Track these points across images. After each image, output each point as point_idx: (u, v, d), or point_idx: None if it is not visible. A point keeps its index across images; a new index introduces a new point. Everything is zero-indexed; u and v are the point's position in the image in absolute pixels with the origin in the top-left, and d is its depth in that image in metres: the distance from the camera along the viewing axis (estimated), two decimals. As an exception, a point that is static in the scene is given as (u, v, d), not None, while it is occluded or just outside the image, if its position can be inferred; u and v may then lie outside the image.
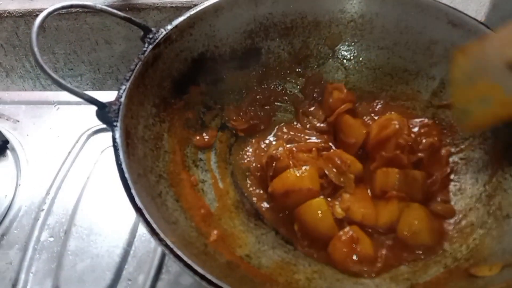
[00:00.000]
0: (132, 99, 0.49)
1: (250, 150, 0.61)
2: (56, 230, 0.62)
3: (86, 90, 1.01)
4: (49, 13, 0.49)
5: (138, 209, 0.40)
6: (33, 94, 0.82)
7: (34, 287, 0.56)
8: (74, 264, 0.58)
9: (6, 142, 0.71)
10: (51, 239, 0.61)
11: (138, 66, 0.51)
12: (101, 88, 0.99)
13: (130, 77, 0.50)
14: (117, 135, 0.45)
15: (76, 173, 0.68)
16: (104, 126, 0.71)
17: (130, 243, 0.60)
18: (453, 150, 0.60)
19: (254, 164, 0.60)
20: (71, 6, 0.51)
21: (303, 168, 0.54)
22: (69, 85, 0.46)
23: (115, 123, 0.46)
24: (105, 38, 0.90)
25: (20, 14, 0.87)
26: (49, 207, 0.64)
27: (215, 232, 0.50)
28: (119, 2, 0.84)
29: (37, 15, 0.84)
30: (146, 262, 0.58)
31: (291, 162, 0.56)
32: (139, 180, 0.44)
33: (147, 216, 0.39)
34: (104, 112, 0.46)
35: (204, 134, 0.61)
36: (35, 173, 0.69)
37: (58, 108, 0.78)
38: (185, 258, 0.37)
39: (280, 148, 0.57)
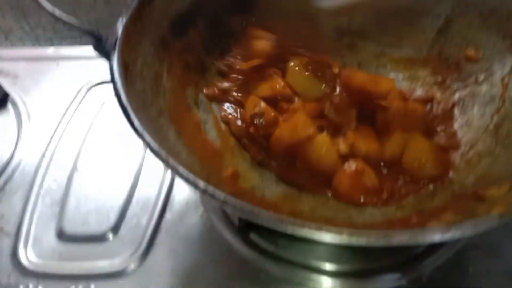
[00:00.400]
0: (130, 35, 0.49)
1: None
2: (58, 177, 0.62)
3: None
4: None
5: (131, 122, 0.39)
6: (32, 50, 0.82)
7: (38, 229, 0.57)
8: (77, 207, 0.58)
9: (6, 95, 0.71)
10: (54, 185, 0.61)
11: (135, 2, 0.50)
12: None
13: (126, 11, 0.49)
14: (115, 65, 0.44)
15: (77, 124, 0.68)
16: (104, 79, 0.73)
17: (134, 187, 0.60)
18: (459, 86, 0.59)
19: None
20: None
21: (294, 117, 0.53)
22: (65, 16, 0.45)
23: (112, 53, 0.45)
24: (103, -4, 0.89)
25: (17, -28, 0.85)
26: (51, 155, 0.64)
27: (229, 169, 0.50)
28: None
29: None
30: (150, 204, 0.58)
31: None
32: (138, 111, 0.44)
33: (138, 128, 0.38)
34: (102, 45, 0.45)
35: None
36: (37, 126, 0.68)
37: (58, 63, 0.78)
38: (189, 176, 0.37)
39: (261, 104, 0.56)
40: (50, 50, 0.80)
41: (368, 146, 0.52)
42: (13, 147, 0.65)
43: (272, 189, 0.51)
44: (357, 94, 0.54)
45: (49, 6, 0.45)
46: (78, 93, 0.72)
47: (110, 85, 0.67)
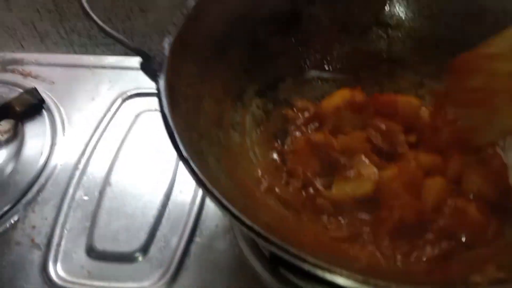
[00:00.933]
0: (175, 55, 0.48)
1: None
2: (91, 189, 0.62)
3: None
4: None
5: (182, 157, 0.39)
6: (69, 57, 0.82)
7: (68, 243, 0.57)
8: (108, 223, 0.58)
9: (42, 101, 0.72)
10: (86, 197, 0.61)
11: (181, 20, 0.50)
12: (134, 56, 0.98)
13: (172, 30, 0.49)
14: (161, 86, 0.44)
15: (111, 135, 0.68)
16: (139, 90, 0.73)
17: (164, 205, 0.60)
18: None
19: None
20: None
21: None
22: (114, 33, 0.45)
23: (159, 74, 0.45)
24: (139, 6, 0.89)
25: (57, -21, 0.86)
26: (84, 167, 0.64)
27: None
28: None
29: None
30: (180, 224, 0.58)
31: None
32: (182, 134, 0.43)
33: (192, 165, 0.38)
34: (149, 64, 0.45)
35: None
36: (71, 134, 0.69)
37: (94, 71, 0.78)
38: (233, 210, 0.36)
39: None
40: (86, 58, 0.80)
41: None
42: (47, 155, 0.66)
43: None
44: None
45: (100, 23, 0.45)
46: (113, 103, 0.72)
47: (144, 98, 0.68)
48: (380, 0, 0.64)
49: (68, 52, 0.99)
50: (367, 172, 0.51)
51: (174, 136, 0.40)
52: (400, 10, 0.64)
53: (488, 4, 0.58)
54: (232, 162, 0.53)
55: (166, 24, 0.90)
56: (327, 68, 0.66)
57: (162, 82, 0.44)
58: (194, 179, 0.38)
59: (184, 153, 0.39)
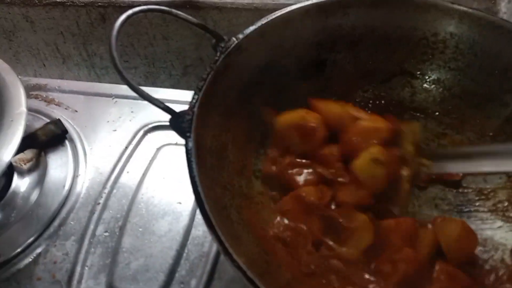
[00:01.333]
0: (203, 109, 0.49)
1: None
2: (111, 225, 0.63)
3: (139, 82, 1.02)
4: (128, 17, 0.50)
5: (211, 226, 0.40)
6: (91, 85, 0.83)
7: (89, 281, 0.58)
8: (128, 262, 0.59)
9: (65, 131, 0.73)
10: (106, 234, 0.62)
11: (210, 75, 0.51)
12: (154, 82, 1.00)
13: (202, 86, 0.50)
14: (190, 146, 0.45)
15: (132, 169, 0.69)
16: (160, 123, 0.74)
17: (183, 246, 0.61)
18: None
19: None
20: (149, 10, 0.51)
21: None
22: (145, 92, 0.46)
23: (188, 134, 0.45)
24: (162, 34, 0.90)
25: (83, 4, 0.88)
26: (105, 201, 0.65)
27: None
28: (181, -2, 0.84)
29: (99, 6, 0.86)
30: (199, 266, 0.59)
31: None
32: (208, 194, 0.44)
33: (219, 234, 0.39)
34: (177, 121, 0.46)
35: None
36: (93, 166, 0.70)
37: (116, 101, 0.79)
38: (257, 282, 0.37)
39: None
40: (108, 87, 0.81)
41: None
42: (69, 187, 0.67)
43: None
44: None
45: (131, 81, 0.46)
46: (135, 136, 0.73)
47: (166, 131, 0.69)
48: (405, 50, 0.64)
49: (88, 74, 1.00)
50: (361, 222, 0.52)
51: (203, 205, 0.40)
52: (425, 61, 0.64)
53: (514, 62, 0.58)
54: (253, 213, 0.53)
55: (187, 52, 0.92)
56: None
57: (191, 143, 0.45)
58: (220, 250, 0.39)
59: (219, 233, 0.39)
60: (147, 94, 0.46)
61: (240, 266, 0.38)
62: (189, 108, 0.48)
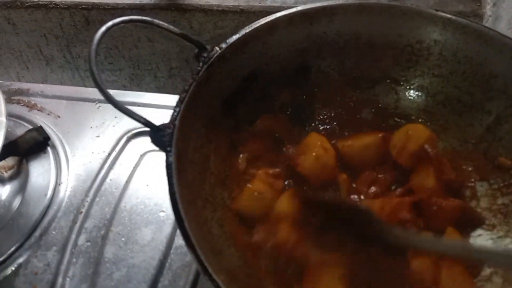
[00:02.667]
0: (185, 121, 0.48)
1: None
2: (93, 234, 0.62)
3: (124, 84, 1.01)
4: (108, 28, 0.49)
5: (190, 245, 0.39)
6: (74, 89, 0.82)
7: (70, 293, 0.57)
8: (110, 272, 0.59)
9: (47, 138, 0.72)
10: (88, 243, 0.62)
11: (192, 86, 0.50)
12: (139, 84, 0.99)
13: (184, 98, 0.49)
14: (171, 161, 0.44)
15: (115, 176, 0.69)
16: (144, 129, 0.73)
17: (166, 255, 0.60)
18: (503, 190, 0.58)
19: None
20: (131, 21, 0.50)
21: None
22: (125, 107, 0.45)
23: (169, 148, 0.45)
24: (147, 36, 0.89)
25: (66, 6, 0.86)
26: (88, 210, 0.65)
27: None
28: (166, 1, 0.83)
29: (83, 8, 0.84)
30: (182, 276, 0.58)
31: None
32: (188, 209, 0.44)
33: (199, 253, 0.39)
34: (158, 135, 0.46)
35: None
36: (75, 173, 0.69)
37: (99, 106, 0.78)
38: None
39: None
40: (92, 91, 0.80)
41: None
42: (51, 195, 0.66)
43: None
44: None
45: (112, 97, 0.45)
46: (118, 142, 0.72)
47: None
48: (390, 57, 0.64)
49: (72, 76, 0.99)
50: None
51: (183, 223, 0.40)
52: (409, 68, 0.64)
53: (499, 71, 0.58)
54: (235, 225, 0.53)
55: (172, 54, 0.91)
56: (333, 120, 0.66)
57: (172, 157, 0.44)
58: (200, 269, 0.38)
59: (198, 253, 0.39)
60: (126, 108, 0.45)
61: (219, 286, 0.37)
62: (170, 121, 0.47)
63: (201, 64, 0.52)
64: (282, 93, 0.64)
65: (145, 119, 0.45)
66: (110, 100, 0.44)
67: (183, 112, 0.48)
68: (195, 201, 0.48)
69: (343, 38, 0.63)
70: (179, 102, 0.48)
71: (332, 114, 0.66)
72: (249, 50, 0.58)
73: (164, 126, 0.46)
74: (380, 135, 0.60)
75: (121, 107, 0.44)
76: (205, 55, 0.53)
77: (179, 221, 0.40)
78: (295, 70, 0.63)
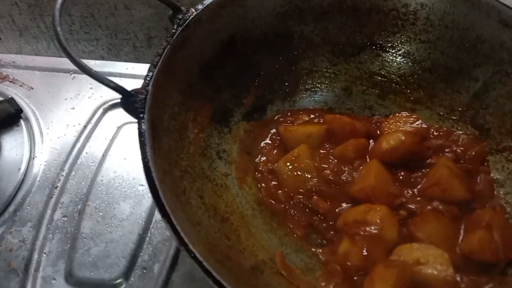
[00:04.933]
0: (159, 87, 0.46)
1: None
2: (69, 209, 0.60)
3: (101, 55, 0.97)
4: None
5: (165, 215, 0.37)
6: (48, 60, 0.78)
7: (47, 268, 0.55)
8: (88, 247, 0.57)
9: (19, 111, 0.68)
10: (65, 218, 0.59)
11: (166, 50, 0.47)
12: (117, 54, 0.95)
13: (157, 62, 0.46)
14: (144, 128, 0.42)
15: (91, 149, 0.66)
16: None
17: (146, 229, 0.58)
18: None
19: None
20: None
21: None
22: (93, 70, 0.42)
23: (142, 115, 0.42)
24: (124, 3, 0.85)
25: (37, -28, 0.81)
26: (63, 184, 0.62)
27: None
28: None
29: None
30: (162, 251, 0.57)
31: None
32: (164, 178, 0.42)
33: (175, 223, 0.37)
34: (130, 101, 0.43)
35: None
36: (50, 146, 0.66)
37: (74, 77, 0.75)
38: (214, 273, 0.35)
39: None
40: (66, 61, 0.76)
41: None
42: (24, 170, 0.63)
43: (292, 260, 0.49)
44: None
45: (77, 59, 0.42)
46: (94, 114, 0.69)
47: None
48: (375, 22, 0.61)
49: (48, 47, 0.95)
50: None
51: (157, 193, 0.38)
52: (395, 33, 0.62)
53: (486, 35, 0.56)
54: (215, 196, 0.51)
55: (151, 22, 0.88)
56: (318, 89, 0.64)
57: (145, 124, 0.42)
58: (175, 239, 0.37)
59: (174, 223, 0.37)
60: (96, 72, 0.42)
61: (196, 257, 0.36)
62: (142, 86, 0.44)
63: (175, 26, 0.49)
64: (263, 60, 0.61)
65: (115, 83, 0.43)
66: (77, 63, 0.41)
67: (157, 78, 0.46)
68: (172, 171, 0.46)
69: (326, 2, 0.60)
70: (152, 66, 0.46)
71: (317, 82, 0.64)
72: (227, 12, 0.55)
73: (136, 91, 0.44)
74: (324, 127, 0.58)
75: (89, 71, 0.41)
76: (180, 17, 0.50)
77: (153, 189, 0.38)
78: (277, 35, 0.61)
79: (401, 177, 0.54)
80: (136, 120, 0.65)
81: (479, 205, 0.52)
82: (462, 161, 0.56)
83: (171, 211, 0.38)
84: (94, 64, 0.78)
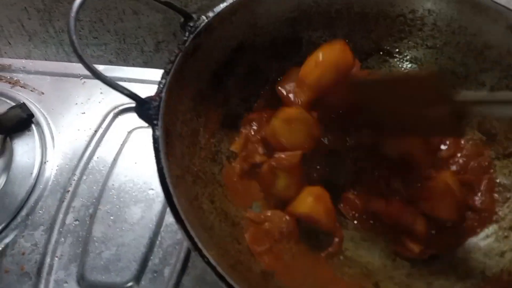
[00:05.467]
0: (172, 94, 0.47)
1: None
2: (81, 213, 0.61)
3: (110, 59, 0.98)
4: (88, -4, 0.46)
5: (180, 221, 0.38)
6: (58, 65, 0.79)
7: (59, 272, 0.56)
8: (99, 251, 0.57)
9: (31, 116, 0.69)
10: (76, 222, 0.60)
11: (179, 57, 0.48)
12: (125, 59, 0.96)
13: (170, 69, 0.47)
14: (158, 135, 0.43)
15: (102, 154, 0.67)
16: (131, 105, 0.71)
17: (156, 233, 0.59)
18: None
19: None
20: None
21: None
22: (110, 79, 0.43)
23: (155, 121, 0.43)
24: (132, 8, 0.86)
25: (46, -22, 0.82)
26: (75, 188, 0.63)
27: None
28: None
29: (64, -20, 0.80)
30: (173, 254, 0.57)
31: None
32: (178, 184, 0.43)
33: (189, 229, 0.37)
34: (144, 108, 0.44)
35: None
36: (61, 151, 0.67)
37: (84, 82, 0.76)
38: (227, 278, 0.36)
39: None
40: (77, 66, 0.77)
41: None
42: (36, 174, 0.64)
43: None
44: None
45: (92, 66, 0.43)
46: (104, 118, 0.70)
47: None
48: (383, 28, 0.62)
49: (57, 52, 0.96)
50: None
51: (172, 198, 0.39)
52: (402, 39, 0.62)
53: (493, 42, 0.57)
54: (226, 201, 0.52)
55: (158, 27, 0.89)
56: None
57: (159, 130, 0.42)
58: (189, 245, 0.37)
59: (188, 228, 0.38)
60: (110, 79, 0.43)
61: (210, 262, 0.36)
62: (156, 93, 0.45)
63: (187, 34, 0.50)
64: (272, 66, 0.62)
65: (129, 90, 0.43)
66: (92, 70, 0.42)
67: (169, 84, 0.46)
68: (185, 176, 0.46)
69: (334, 8, 0.61)
70: (165, 73, 0.46)
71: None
72: (237, 19, 0.55)
73: (150, 98, 0.44)
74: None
75: (104, 78, 0.42)
76: (191, 24, 0.51)
77: (167, 196, 0.39)
78: (286, 41, 0.62)
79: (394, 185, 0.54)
80: (146, 125, 0.66)
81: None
82: (464, 172, 0.56)
83: (185, 217, 0.39)
84: (103, 69, 0.78)
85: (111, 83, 0.43)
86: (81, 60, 0.43)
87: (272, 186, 0.51)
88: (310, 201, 0.49)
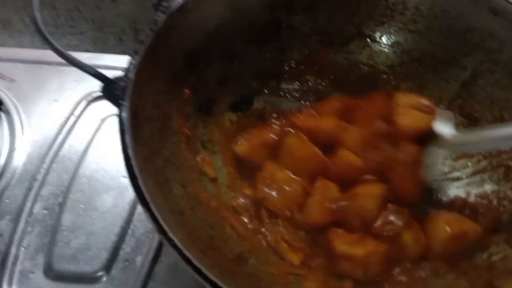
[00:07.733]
0: (142, 75, 0.44)
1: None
2: (50, 202, 0.59)
3: (87, 49, 0.95)
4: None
5: (144, 202, 0.36)
6: (31, 52, 0.76)
7: (25, 262, 0.54)
8: (68, 240, 0.55)
9: (0, 102, 0.67)
10: (45, 211, 0.58)
11: (150, 37, 0.46)
12: (103, 48, 0.93)
13: (140, 50, 0.45)
14: (124, 116, 0.40)
15: (74, 141, 0.65)
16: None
17: (128, 222, 0.57)
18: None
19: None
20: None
21: None
22: (73, 57, 0.41)
23: (122, 102, 0.41)
24: (110, -5, 0.84)
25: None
26: (44, 177, 0.61)
27: None
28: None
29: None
30: (145, 243, 0.55)
31: None
32: (145, 166, 0.41)
33: (154, 210, 0.35)
34: (110, 88, 0.42)
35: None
36: (30, 139, 0.65)
37: (58, 69, 0.73)
38: (194, 262, 0.34)
39: None
40: (50, 54, 0.74)
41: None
42: (3, 162, 0.62)
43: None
44: None
45: (56, 45, 0.41)
46: (77, 106, 0.68)
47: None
48: (364, 12, 0.60)
49: (32, 40, 0.93)
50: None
51: (136, 180, 0.36)
52: (384, 23, 0.61)
53: (475, 25, 0.55)
54: (199, 186, 0.50)
55: (138, 16, 0.86)
56: (306, 80, 0.63)
57: (125, 111, 0.40)
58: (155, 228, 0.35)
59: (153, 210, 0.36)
60: (75, 58, 0.41)
61: (176, 245, 0.34)
62: (124, 74, 0.43)
63: (159, 14, 0.48)
64: (251, 52, 0.60)
65: (95, 69, 0.41)
66: (54, 48, 0.40)
67: (139, 66, 0.44)
68: (153, 159, 0.44)
69: (315, -9, 0.60)
70: (134, 53, 0.44)
71: (304, 72, 0.63)
72: (213, 1, 0.54)
73: (117, 78, 0.42)
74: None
75: (67, 56, 0.40)
76: (164, 4, 0.49)
77: (131, 176, 0.37)
78: (265, 26, 0.60)
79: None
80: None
81: None
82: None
83: (151, 199, 0.37)
84: (79, 56, 0.76)
85: (74, 61, 0.41)
86: (43, 37, 0.41)
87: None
88: None
